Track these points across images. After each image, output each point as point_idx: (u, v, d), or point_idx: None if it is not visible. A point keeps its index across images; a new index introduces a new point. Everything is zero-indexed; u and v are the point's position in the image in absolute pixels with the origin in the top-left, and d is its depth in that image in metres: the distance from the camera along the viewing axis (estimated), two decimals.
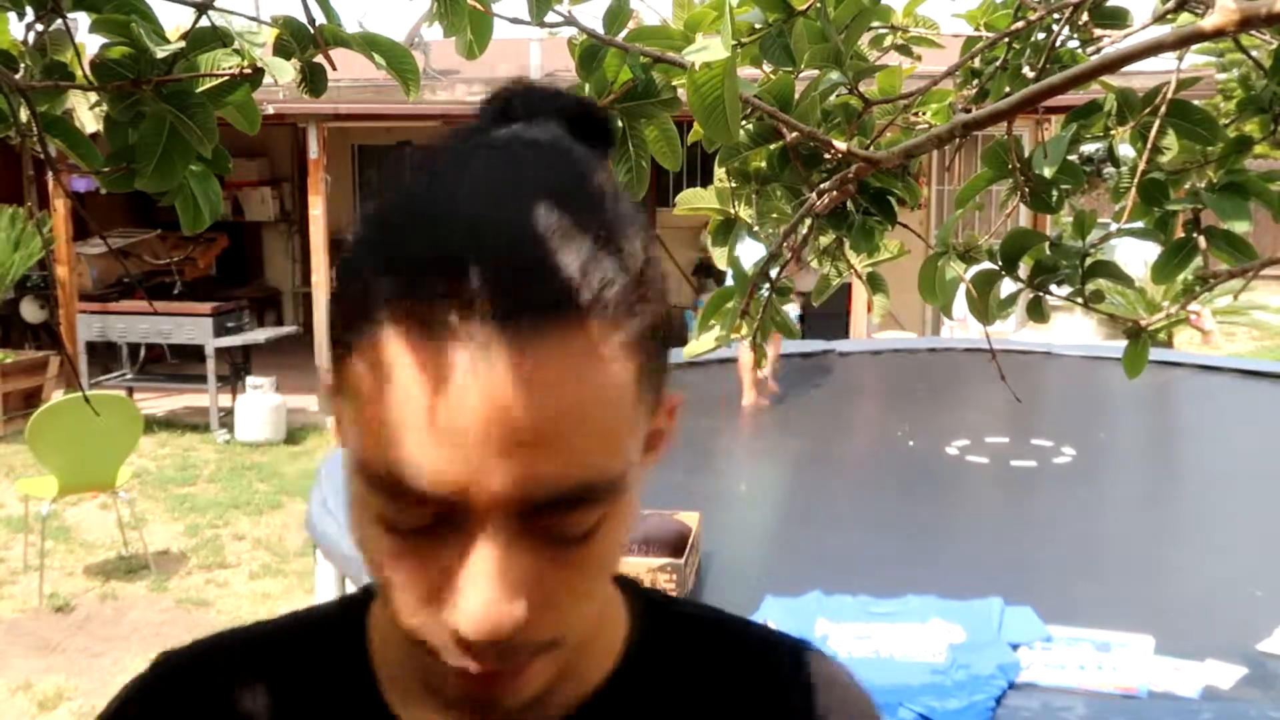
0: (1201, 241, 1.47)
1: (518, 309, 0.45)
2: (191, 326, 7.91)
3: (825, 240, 1.70)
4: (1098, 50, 1.60)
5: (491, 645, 0.48)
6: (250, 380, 7.73)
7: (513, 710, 0.53)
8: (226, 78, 0.94)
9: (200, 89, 0.95)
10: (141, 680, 0.65)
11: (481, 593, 0.47)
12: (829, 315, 9.11)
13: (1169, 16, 1.45)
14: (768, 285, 1.57)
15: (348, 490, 0.51)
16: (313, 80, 1.01)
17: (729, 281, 1.60)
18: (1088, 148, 1.58)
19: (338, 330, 0.52)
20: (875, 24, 1.63)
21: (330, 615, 0.66)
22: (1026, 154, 1.53)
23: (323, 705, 0.61)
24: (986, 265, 1.47)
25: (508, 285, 0.45)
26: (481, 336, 0.45)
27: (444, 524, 0.48)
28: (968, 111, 1.56)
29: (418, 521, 0.48)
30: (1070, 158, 1.52)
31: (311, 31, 0.99)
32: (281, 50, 0.99)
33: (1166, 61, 1.48)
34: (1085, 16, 1.58)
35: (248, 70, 0.94)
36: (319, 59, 1.02)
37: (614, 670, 0.61)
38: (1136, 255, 5.30)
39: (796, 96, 1.39)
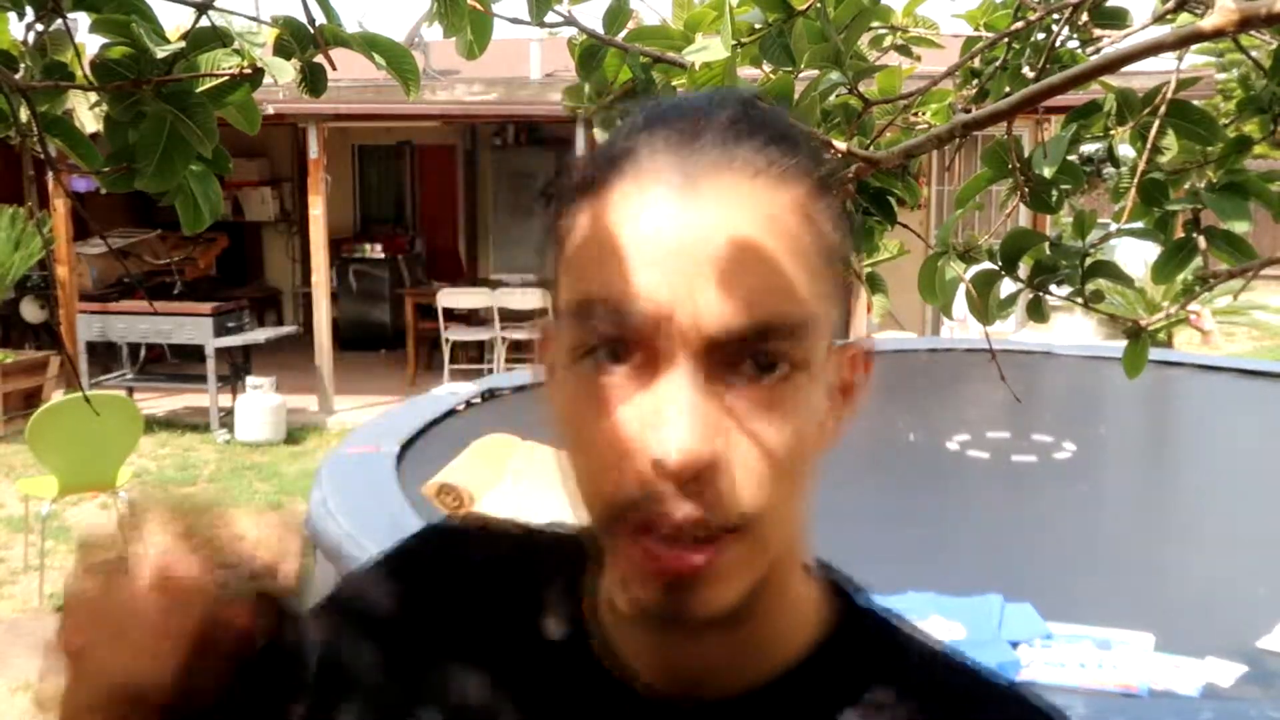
0: (1201, 241, 1.47)
1: (728, 164, 0.51)
2: (191, 326, 7.91)
3: None
4: (1098, 50, 1.60)
5: (691, 484, 0.49)
6: (250, 380, 7.73)
7: (706, 615, 0.52)
8: (226, 78, 0.94)
9: (200, 89, 0.95)
10: (406, 542, 0.69)
11: (681, 420, 0.49)
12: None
13: (1169, 16, 1.45)
14: None
15: (553, 384, 0.56)
16: (313, 80, 1.01)
17: None
18: (1088, 148, 1.58)
19: (558, 211, 0.56)
20: (875, 24, 1.63)
21: (574, 538, 0.65)
22: (1026, 154, 1.53)
23: (538, 622, 0.62)
24: (986, 265, 1.47)
25: (720, 146, 0.52)
26: (690, 182, 0.51)
27: (647, 365, 0.51)
28: (968, 111, 1.56)
29: (625, 360, 0.51)
30: (1070, 158, 1.52)
31: (311, 31, 0.99)
32: (281, 50, 0.99)
33: (1166, 61, 1.48)
34: (1085, 16, 1.58)
35: (248, 70, 0.94)
36: (319, 59, 1.02)
37: (796, 661, 0.58)
38: (1136, 255, 5.30)
39: (796, 96, 1.39)
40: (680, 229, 0.50)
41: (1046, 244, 1.49)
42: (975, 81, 1.74)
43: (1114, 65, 1.29)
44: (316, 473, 4.04)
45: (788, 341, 0.51)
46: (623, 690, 0.58)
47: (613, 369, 0.51)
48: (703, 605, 0.51)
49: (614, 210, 0.52)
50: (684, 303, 0.50)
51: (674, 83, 1.28)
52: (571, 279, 0.54)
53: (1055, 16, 1.56)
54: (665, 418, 0.49)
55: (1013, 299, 1.52)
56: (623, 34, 1.26)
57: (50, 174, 0.98)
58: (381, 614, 0.66)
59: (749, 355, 0.50)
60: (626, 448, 0.50)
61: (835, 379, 0.56)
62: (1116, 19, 1.59)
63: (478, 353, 9.24)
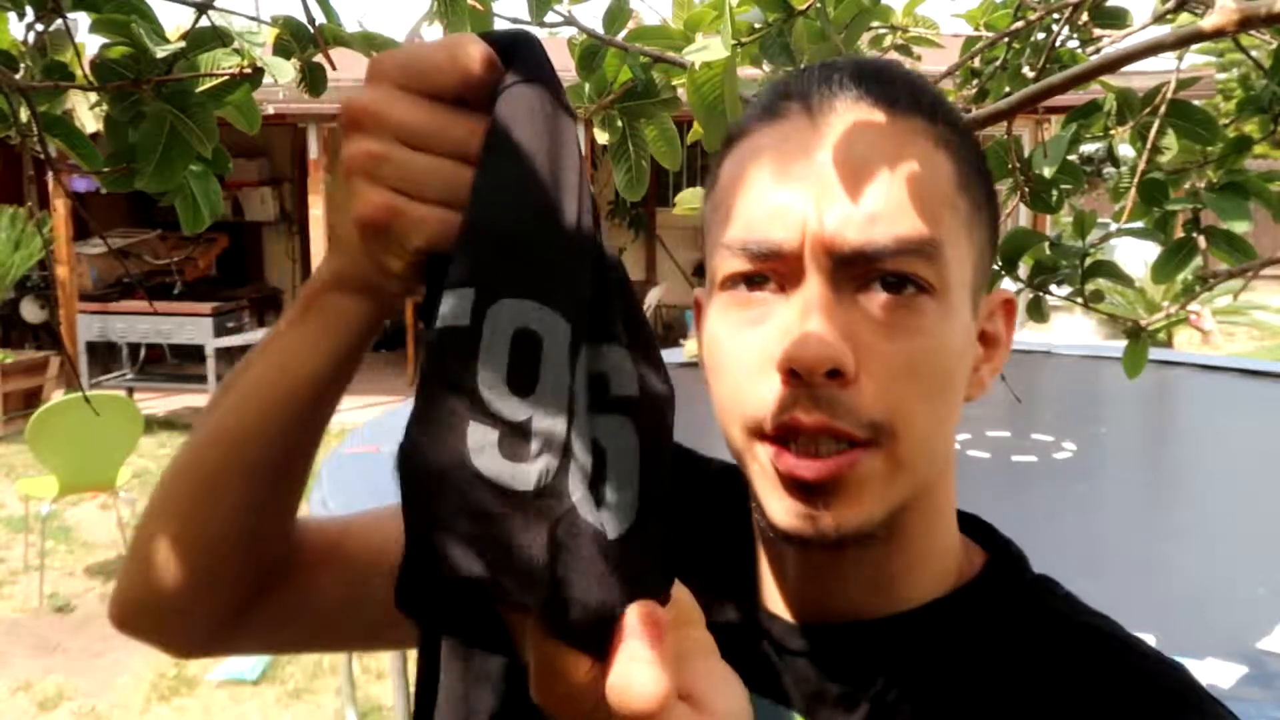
0: (1201, 241, 1.47)
1: (854, 100, 0.55)
2: (191, 326, 7.91)
3: None
4: (1098, 50, 1.60)
5: (816, 387, 0.50)
6: None
7: (842, 534, 0.52)
8: (226, 77, 0.94)
9: (200, 89, 0.95)
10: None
11: (812, 323, 0.51)
12: None
13: (1169, 16, 1.45)
14: None
15: (701, 325, 0.58)
16: (313, 80, 1.01)
17: None
18: (1088, 148, 1.58)
19: (717, 166, 0.60)
20: (875, 24, 1.63)
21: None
22: (1026, 154, 1.53)
23: (707, 551, 0.64)
24: None
25: (845, 86, 0.55)
26: (819, 116, 0.54)
27: (783, 286, 0.53)
28: (968, 111, 1.56)
29: (764, 286, 0.54)
30: (1070, 158, 1.52)
31: (311, 31, 0.99)
32: (281, 50, 0.99)
33: (1166, 61, 1.48)
34: (1085, 16, 1.58)
35: (248, 70, 0.94)
36: (319, 59, 1.02)
37: (935, 600, 0.59)
38: (1136, 255, 5.30)
39: None
40: (809, 156, 0.53)
41: (1046, 244, 1.49)
42: (975, 81, 1.74)
43: (1114, 65, 1.29)
44: (317, 473, 4.04)
45: (912, 259, 0.52)
46: (771, 617, 0.59)
47: (751, 294, 0.54)
48: (838, 522, 0.52)
49: (748, 150, 0.56)
50: (812, 222, 0.52)
51: (674, 82, 1.28)
52: (715, 218, 0.57)
53: (1055, 16, 1.56)
54: (797, 327, 0.51)
55: None
56: (623, 34, 1.26)
57: (50, 174, 0.98)
58: None
59: (877, 274, 0.52)
60: (762, 360, 0.52)
61: (979, 325, 0.57)
62: (1116, 19, 1.59)
63: None
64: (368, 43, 1.02)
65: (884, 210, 0.52)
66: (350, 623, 0.71)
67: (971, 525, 0.65)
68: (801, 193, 0.53)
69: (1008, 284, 1.50)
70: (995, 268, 1.47)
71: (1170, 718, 0.54)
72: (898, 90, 0.55)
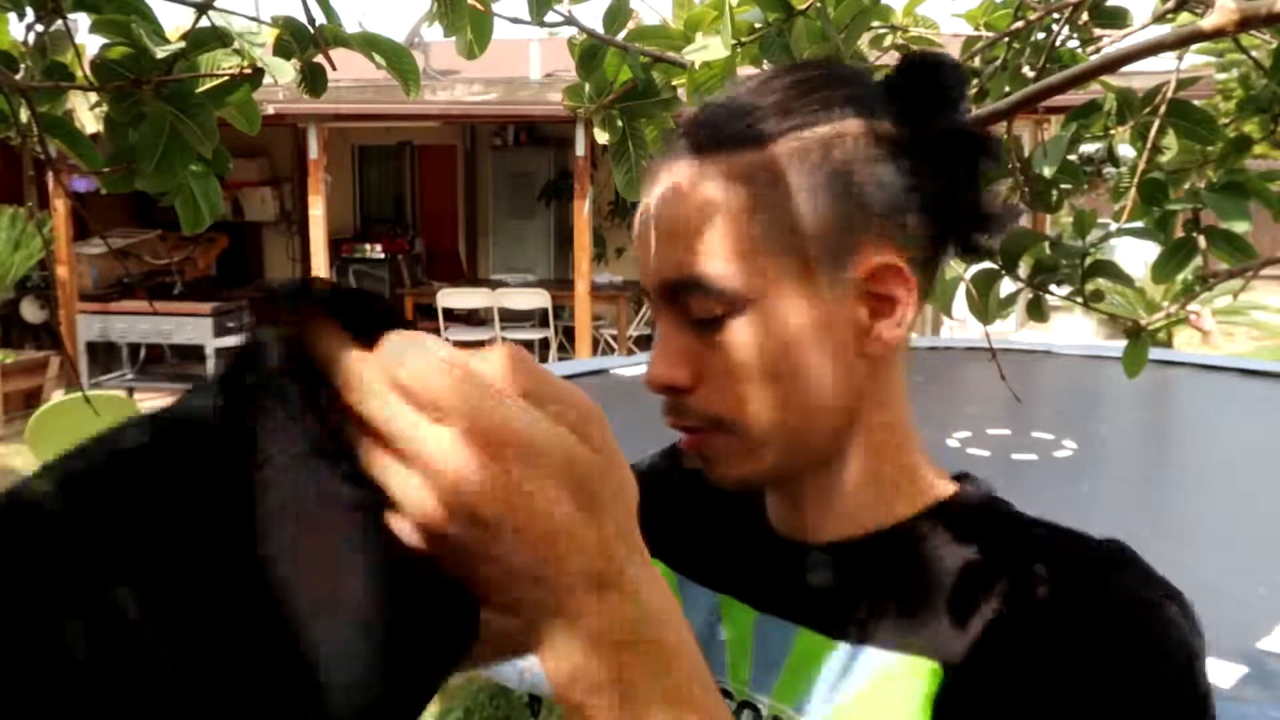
0: (1201, 241, 1.47)
1: (674, 150, 0.68)
2: (192, 326, 7.92)
3: None
4: (1098, 50, 1.60)
5: (666, 397, 0.67)
6: None
7: (725, 482, 0.69)
8: (226, 78, 0.94)
9: (200, 89, 0.95)
10: (655, 455, 0.88)
11: (654, 353, 0.67)
12: None
13: (1169, 16, 1.45)
14: None
15: None
16: (313, 80, 1.01)
17: None
18: (1088, 148, 1.58)
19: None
20: (875, 24, 1.63)
21: None
22: (1026, 154, 1.53)
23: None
24: (986, 265, 1.47)
25: (685, 135, 0.68)
26: (656, 173, 0.68)
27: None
28: (968, 111, 1.56)
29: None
30: (1070, 158, 1.52)
31: (311, 32, 0.99)
32: (282, 50, 0.99)
33: (1166, 61, 1.48)
34: (1085, 16, 1.58)
35: (248, 70, 0.94)
36: (319, 59, 1.02)
37: (904, 519, 0.70)
38: (1136, 255, 5.30)
39: None
40: (647, 211, 0.68)
41: (1046, 244, 1.49)
42: (975, 81, 1.74)
43: (1114, 65, 1.29)
44: None
45: (704, 295, 0.65)
46: (769, 537, 0.74)
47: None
48: (717, 475, 0.69)
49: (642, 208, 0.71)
50: (651, 270, 0.68)
51: (674, 82, 1.28)
52: None
53: (1055, 16, 1.56)
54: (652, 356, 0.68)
55: (1013, 298, 1.52)
56: (623, 34, 1.26)
57: (50, 174, 0.98)
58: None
59: (690, 303, 0.66)
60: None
61: (854, 295, 0.66)
62: (1116, 19, 1.59)
63: None
64: (368, 43, 1.02)
65: (680, 250, 0.65)
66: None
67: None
68: (642, 245, 0.68)
69: (1008, 284, 1.50)
70: (995, 267, 1.47)
71: (1103, 573, 0.63)
72: (705, 134, 0.66)
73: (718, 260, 0.64)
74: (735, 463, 0.68)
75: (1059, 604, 0.62)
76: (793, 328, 0.65)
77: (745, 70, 1.27)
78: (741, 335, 0.64)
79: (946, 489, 0.73)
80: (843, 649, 0.66)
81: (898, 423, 0.71)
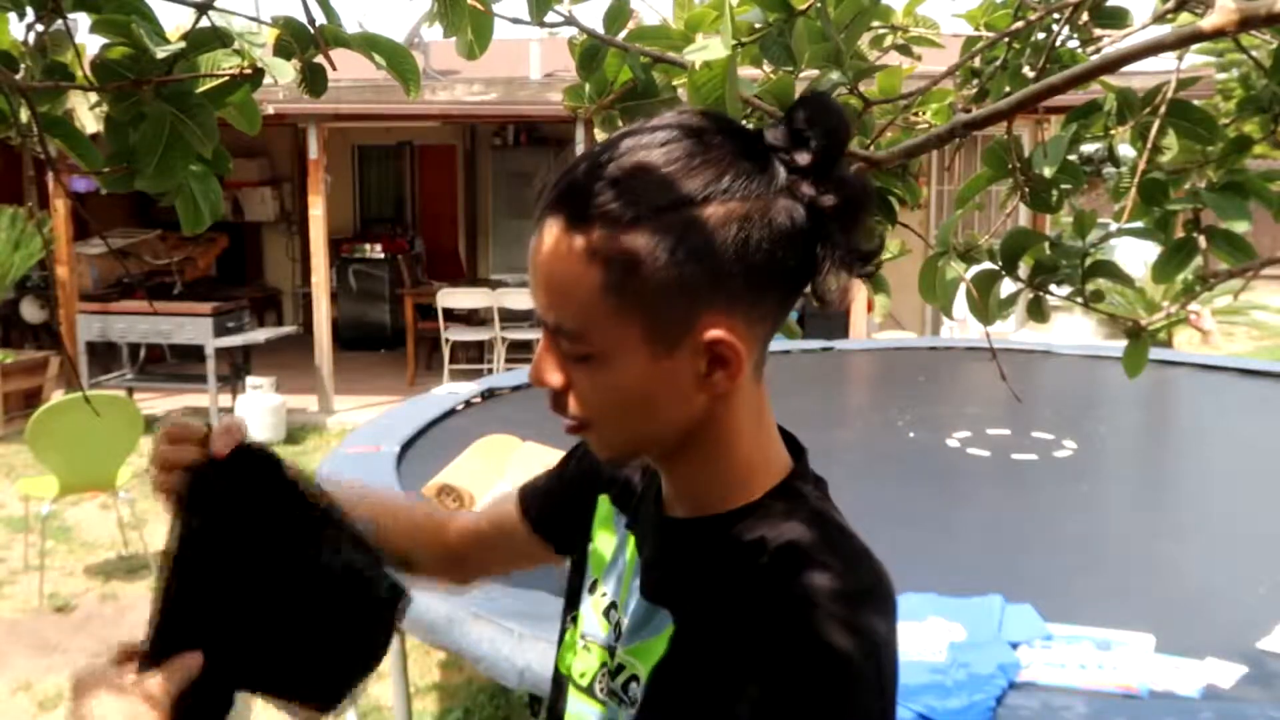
0: (1201, 241, 1.47)
1: (544, 209, 0.78)
2: (191, 326, 7.90)
3: None
4: (1098, 50, 1.60)
5: (546, 395, 0.82)
6: (250, 380, 7.73)
7: (600, 458, 0.86)
8: (227, 78, 0.94)
9: (201, 89, 0.95)
10: None
11: (534, 358, 0.81)
12: (829, 315, 9.11)
13: (1169, 16, 1.45)
14: None
15: None
16: (313, 81, 1.01)
17: None
18: (1088, 148, 1.58)
19: None
20: (875, 24, 1.63)
21: None
22: (1026, 154, 1.53)
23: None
24: (986, 265, 1.47)
25: (550, 194, 0.78)
26: (540, 224, 0.79)
27: None
28: (968, 111, 1.56)
29: None
30: (1070, 158, 1.52)
31: (311, 32, 0.99)
32: (282, 51, 0.99)
33: (1166, 61, 1.48)
34: (1085, 16, 1.58)
35: (248, 71, 0.94)
36: (319, 59, 1.02)
37: (709, 515, 0.84)
38: (1136, 255, 5.30)
39: (796, 96, 1.39)
40: (532, 252, 0.79)
41: (1046, 244, 1.49)
42: (975, 81, 1.74)
43: (1114, 65, 1.29)
44: (316, 473, 4.03)
45: (566, 337, 0.78)
46: (657, 502, 0.91)
47: None
48: (595, 450, 0.85)
49: None
50: (532, 291, 0.80)
51: (674, 82, 1.28)
52: None
53: (1055, 16, 1.56)
54: None
55: (1013, 299, 1.52)
56: (623, 34, 1.26)
57: (50, 174, 0.98)
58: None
59: (555, 335, 0.79)
60: None
61: (692, 357, 0.77)
62: (1116, 19, 1.59)
63: (477, 353, 9.25)
64: (368, 43, 1.02)
65: (549, 301, 0.78)
66: (518, 562, 1.17)
67: (793, 445, 0.90)
68: (531, 276, 0.80)
69: (1008, 284, 1.50)
70: (995, 267, 1.47)
71: (780, 576, 0.77)
72: (576, 203, 0.76)
73: (575, 320, 0.77)
74: (598, 450, 0.85)
75: (737, 598, 0.77)
76: (634, 378, 0.78)
77: (745, 70, 1.27)
78: (595, 373, 0.78)
79: (766, 486, 0.84)
80: (648, 606, 0.86)
81: (740, 433, 0.83)
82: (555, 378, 0.80)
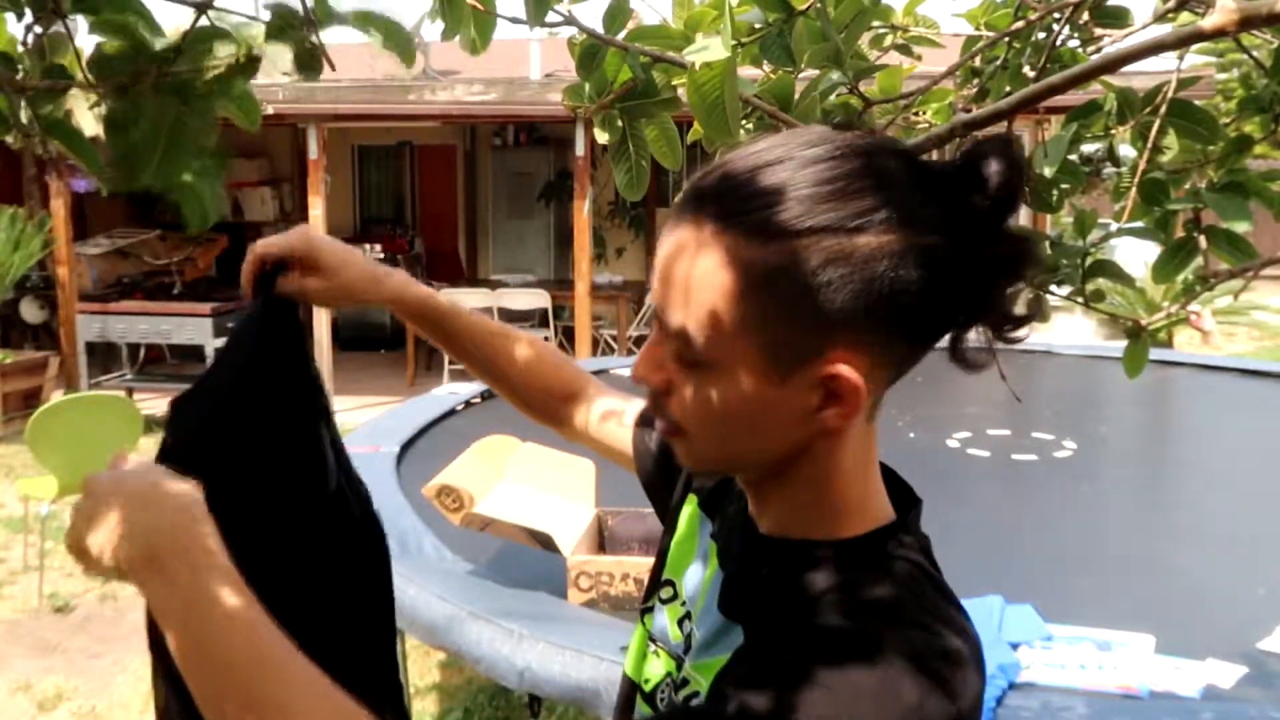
0: (1202, 241, 1.47)
1: (686, 202, 0.74)
2: (191, 327, 7.90)
3: None
4: (1098, 50, 1.60)
5: (644, 387, 0.79)
6: None
7: (688, 468, 0.90)
8: (223, 67, 0.93)
9: (199, 81, 0.95)
10: None
11: (641, 352, 0.79)
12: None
13: (1169, 16, 1.45)
14: None
15: None
16: (307, 62, 1.00)
17: None
18: (1088, 148, 1.58)
19: None
20: (875, 24, 1.63)
21: None
22: (1026, 154, 1.53)
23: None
24: None
25: (695, 188, 0.75)
26: (667, 228, 0.76)
27: None
28: (968, 111, 1.56)
29: None
30: (1070, 158, 1.52)
31: (303, 13, 0.98)
32: (274, 31, 0.98)
33: (1166, 61, 1.48)
34: (1085, 16, 1.58)
35: (244, 58, 0.94)
36: (314, 41, 1.01)
37: (791, 542, 0.79)
38: (1136, 255, 5.29)
39: (796, 96, 1.39)
40: (661, 242, 0.76)
41: (1046, 244, 1.49)
42: (975, 81, 1.74)
43: (1114, 65, 1.29)
44: None
45: (682, 339, 0.74)
46: (745, 514, 0.85)
47: None
48: (679, 456, 0.82)
49: None
50: (652, 281, 0.77)
51: (674, 82, 1.28)
52: None
53: (1056, 16, 1.56)
54: None
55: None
56: (623, 34, 1.26)
57: (51, 174, 0.98)
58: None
59: (666, 332, 0.75)
60: None
61: (806, 388, 0.73)
62: (1117, 18, 1.59)
63: None
64: (363, 20, 1.02)
65: (670, 301, 0.74)
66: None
67: (903, 494, 0.85)
68: (655, 265, 0.77)
69: None
70: None
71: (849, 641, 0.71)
72: (725, 204, 0.72)
73: (697, 325, 0.73)
74: (685, 458, 0.81)
75: (815, 632, 0.72)
76: (742, 396, 0.74)
77: (746, 70, 1.27)
78: (705, 382, 0.74)
79: (861, 529, 0.79)
80: (724, 621, 0.82)
81: (840, 472, 0.78)
82: (658, 377, 0.77)
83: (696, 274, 0.72)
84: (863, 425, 0.77)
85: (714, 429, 0.76)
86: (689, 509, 0.95)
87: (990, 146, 0.73)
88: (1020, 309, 0.75)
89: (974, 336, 0.75)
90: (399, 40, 1.05)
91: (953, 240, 0.71)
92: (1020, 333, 0.75)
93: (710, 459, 0.80)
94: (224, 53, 0.93)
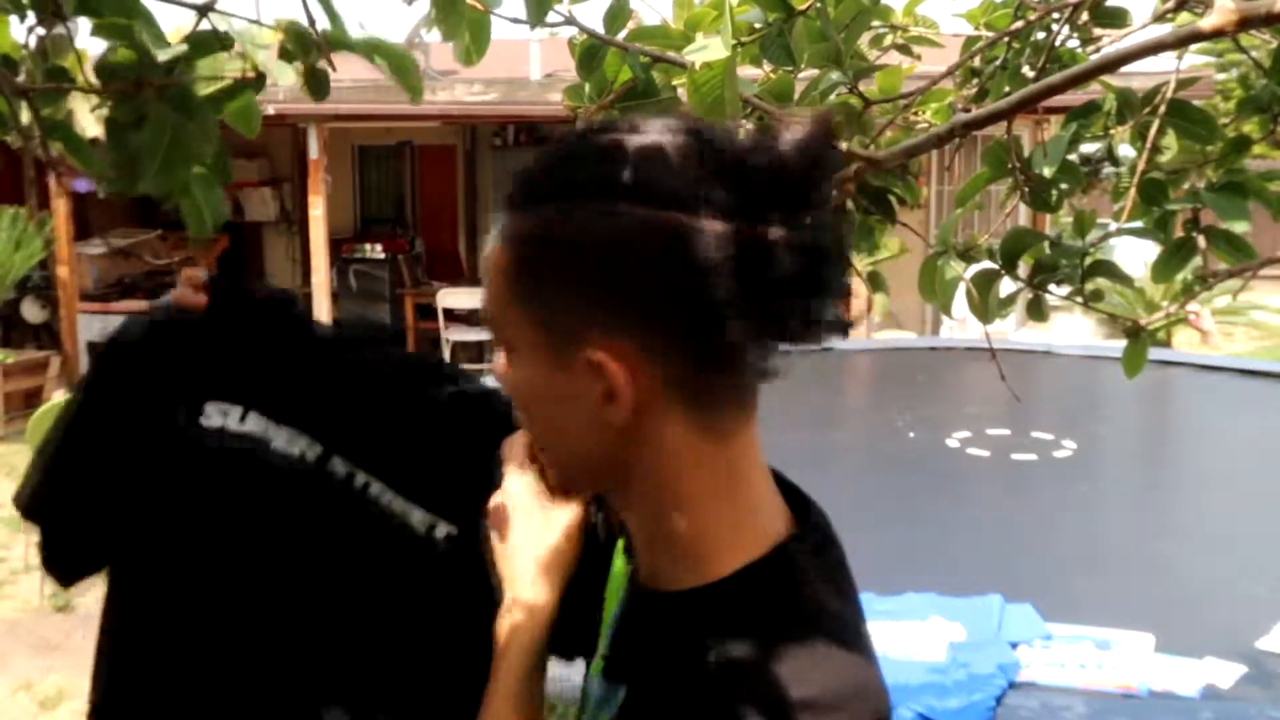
0: (1200, 241, 1.48)
1: (501, 218, 0.71)
2: None
3: None
4: (1097, 50, 1.60)
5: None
6: None
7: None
8: (230, 82, 0.94)
9: (203, 94, 0.95)
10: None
11: None
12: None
13: (1169, 16, 1.45)
14: None
15: None
16: (316, 85, 1.01)
17: None
18: (1088, 148, 1.58)
19: None
20: (875, 24, 1.63)
21: None
22: (1026, 154, 1.54)
23: None
24: (986, 265, 1.47)
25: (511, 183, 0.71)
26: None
27: None
28: (967, 111, 1.56)
29: None
30: (1070, 158, 1.52)
31: (314, 37, 0.99)
32: (285, 56, 0.99)
33: (1166, 61, 1.49)
34: (1085, 16, 1.58)
35: (250, 75, 0.94)
36: (322, 64, 1.02)
37: (659, 595, 0.73)
38: (1136, 255, 5.30)
39: (796, 96, 1.39)
40: None
41: (1046, 243, 1.49)
42: (975, 81, 1.74)
43: (1114, 65, 1.29)
44: None
45: (491, 333, 0.73)
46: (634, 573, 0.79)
47: None
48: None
49: None
50: None
51: (674, 82, 1.28)
52: None
53: (1055, 16, 1.56)
54: None
55: (1012, 298, 1.52)
56: (623, 34, 1.26)
57: (51, 174, 0.99)
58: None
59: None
60: None
61: (580, 375, 0.67)
62: (1116, 19, 1.59)
63: (478, 353, 9.25)
64: (372, 48, 1.03)
65: (485, 289, 0.72)
66: None
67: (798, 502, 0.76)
68: None
69: (1007, 283, 1.51)
70: (995, 266, 1.47)
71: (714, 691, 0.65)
72: (517, 185, 0.70)
73: (492, 307, 0.71)
74: (548, 474, 0.83)
75: (679, 699, 0.66)
76: (535, 383, 0.71)
77: (745, 70, 1.27)
78: (511, 368, 0.72)
79: (734, 564, 0.70)
80: (608, 684, 0.77)
81: (687, 496, 0.70)
82: (500, 365, 0.74)
83: (492, 256, 0.71)
84: (700, 439, 0.68)
85: (527, 419, 0.74)
86: (620, 546, 0.85)
87: (791, 123, 0.65)
88: (824, 315, 0.65)
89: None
90: (405, 69, 1.06)
91: (740, 224, 0.62)
92: (809, 337, 0.66)
93: (544, 456, 0.79)
94: (230, 69, 0.93)
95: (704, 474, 0.69)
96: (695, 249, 0.62)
